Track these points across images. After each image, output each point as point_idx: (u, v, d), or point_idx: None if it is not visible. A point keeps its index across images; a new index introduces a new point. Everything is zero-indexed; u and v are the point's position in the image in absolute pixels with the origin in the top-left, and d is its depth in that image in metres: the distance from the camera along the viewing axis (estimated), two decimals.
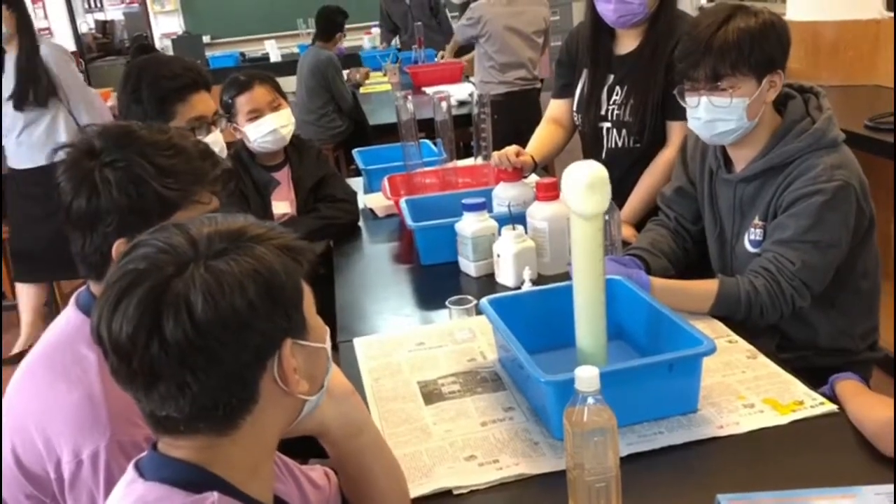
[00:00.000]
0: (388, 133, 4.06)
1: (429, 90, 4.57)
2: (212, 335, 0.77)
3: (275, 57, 7.42)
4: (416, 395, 1.44)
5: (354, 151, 3.00)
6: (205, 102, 1.76)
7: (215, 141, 1.75)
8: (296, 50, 7.16)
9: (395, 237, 2.42)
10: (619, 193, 1.80)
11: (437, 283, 1.98)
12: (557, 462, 1.21)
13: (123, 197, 1.08)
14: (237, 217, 0.87)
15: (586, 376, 1.04)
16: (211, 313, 0.77)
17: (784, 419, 1.26)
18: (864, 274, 1.71)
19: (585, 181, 1.30)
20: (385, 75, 5.75)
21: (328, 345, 0.92)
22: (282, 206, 2.43)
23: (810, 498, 1.04)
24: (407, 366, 1.55)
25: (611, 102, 2.16)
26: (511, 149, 2.12)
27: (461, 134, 3.67)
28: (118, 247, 1.08)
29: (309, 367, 0.87)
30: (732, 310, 1.61)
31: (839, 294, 1.69)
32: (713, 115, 1.62)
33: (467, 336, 1.65)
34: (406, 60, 5.98)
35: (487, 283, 1.94)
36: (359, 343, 1.67)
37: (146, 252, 0.81)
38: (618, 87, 2.14)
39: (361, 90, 5.50)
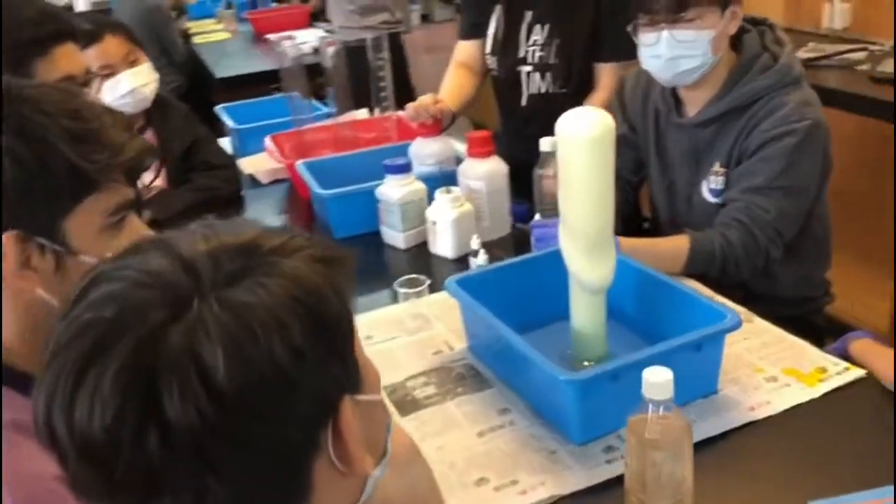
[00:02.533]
0: (238, 87, 3.65)
1: (273, 37, 4.16)
2: (244, 410, 0.49)
3: (84, 6, 6.58)
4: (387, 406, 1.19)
5: (220, 108, 2.61)
6: (72, 58, 1.35)
7: None
8: None
9: (285, 206, 2.11)
10: None
11: (358, 259, 1.71)
12: (588, 474, 1.01)
13: (16, 168, 0.74)
14: (234, 220, 0.58)
15: (659, 381, 0.84)
16: (240, 376, 0.48)
17: (815, 391, 1.13)
18: (819, 217, 1.63)
19: (590, 133, 1.08)
20: (220, 23, 5.22)
21: (383, 393, 0.66)
22: (149, 177, 2.03)
23: None
24: None
25: (531, 43, 1.94)
26: (427, 97, 1.86)
27: (315, 86, 3.32)
28: (6, 244, 0.75)
29: (367, 429, 0.59)
30: (707, 267, 1.47)
31: (798, 241, 1.60)
32: (676, 51, 1.45)
33: (421, 323, 1.40)
34: (241, 6, 5.48)
35: (419, 254, 1.70)
36: None
37: (113, 290, 0.50)
38: (538, 26, 1.93)
39: (195, 40, 4.95)
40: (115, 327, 0.48)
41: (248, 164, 2.30)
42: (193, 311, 0.49)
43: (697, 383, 1.13)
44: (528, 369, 1.12)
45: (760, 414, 1.10)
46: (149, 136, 2.05)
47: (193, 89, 4.70)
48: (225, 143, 2.58)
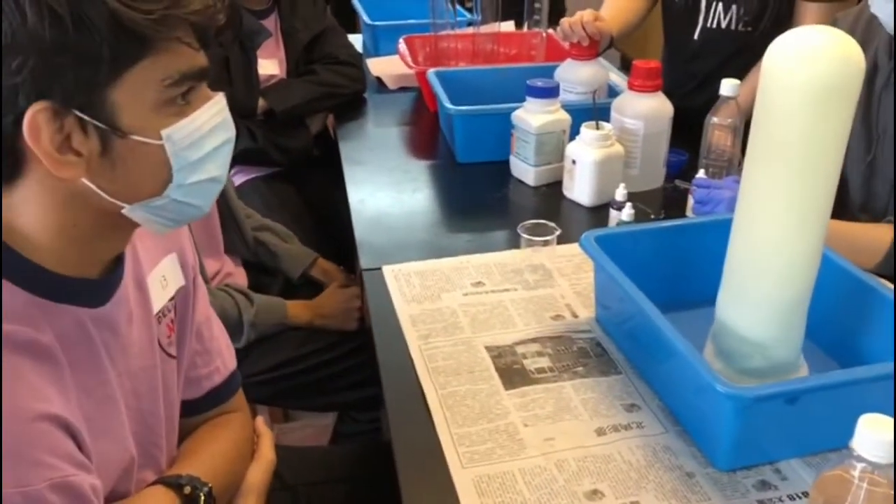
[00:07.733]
0: None
1: None
2: None
3: None
4: (489, 369, 1.00)
5: None
6: None
7: None
8: None
9: (409, 118, 1.91)
10: (713, 89, 1.33)
11: (478, 191, 1.50)
12: None
13: (41, 20, 0.56)
14: None
15: (882, 438, 0.59)
16: None
17: None
18: None
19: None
20: None
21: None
22: (269, 65, 1.87)
23: None
24: (466, 317, 1.10)
25: None
26: (587, 13, 1.59)
27: None
28: (33, 118, 0.58)
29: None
30: None
31: None
32: None
33: (541, 278, 1.19)
34: None
35: (550, 195, 1.47)
36: (391, 274, 1.21)
37: None
38: None
39: None
40: None
41: (376, 66, 2.11)
42: None
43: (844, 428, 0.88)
44: (671, 364, 0.89)
45: None
46: (272, 18, 1.88)
47: None
48: (356, 40, 2.39)
